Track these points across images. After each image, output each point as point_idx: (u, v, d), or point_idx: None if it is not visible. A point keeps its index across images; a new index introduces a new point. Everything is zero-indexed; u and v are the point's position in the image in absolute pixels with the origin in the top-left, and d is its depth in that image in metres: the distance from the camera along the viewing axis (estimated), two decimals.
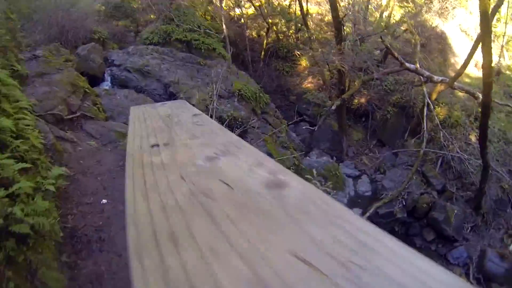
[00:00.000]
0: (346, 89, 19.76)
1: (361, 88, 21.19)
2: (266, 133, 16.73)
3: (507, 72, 24.61)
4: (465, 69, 19.63)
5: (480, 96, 18.98)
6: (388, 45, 18.30)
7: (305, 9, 22.35)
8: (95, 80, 16.21)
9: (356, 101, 21.60)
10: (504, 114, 21.98)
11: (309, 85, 22.65)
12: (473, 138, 20.11)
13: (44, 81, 11.90)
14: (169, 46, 19.40)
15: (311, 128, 18.81)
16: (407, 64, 18.85)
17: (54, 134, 9.93)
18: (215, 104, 8.97)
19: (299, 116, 21.91)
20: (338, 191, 18.61)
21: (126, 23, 24.59)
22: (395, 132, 21.44)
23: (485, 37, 13.08)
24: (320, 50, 19.86)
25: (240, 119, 15.38)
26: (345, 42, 18.89)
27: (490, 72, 14.01)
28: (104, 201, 7.69)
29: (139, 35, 22.03)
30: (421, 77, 19.89)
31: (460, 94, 21.77)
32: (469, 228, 17.70)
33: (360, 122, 22.11)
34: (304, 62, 23.49)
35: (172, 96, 15.61)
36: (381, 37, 18.20)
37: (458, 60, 24.43)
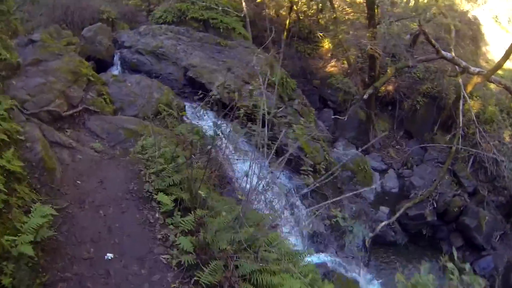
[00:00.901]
0: (377, 75, 16.91)
1: None
2: (295, 123, 13.98)
3: None
4: (505, 61, 16.68)
5: None
6: (425, 30, 15.47)
7: None
8: (103, 65, 13.35)
9: (383, 88, 18.69)
10: None
11: (332, 69, 19.71)
12: (507, 137, 17.32)
13: (39, 69, 9.03)
14: (185, 26, 16.41)
15: (340, 117, 16.06)
16: (444, 52, 15.98)
17: (47, 140, 7.14)
18: (265, 111, 6.22)
19: (323, 102, 18.98)
20: (365, 187, 16.00)
21: (137, 1, 21.35)
22: (424, 124, 18.63)
23: None
24: (350, 32, 16.87)
25: (269, 109, 12.59)
26: (379, 25, 15.95)
27: None
28: (110, 255, 4.95)
29: (151, 14, 18.94)
30: (456, 67, 17.04)
31: (492, 87, 18.93)
32: (498, 236, 15.29)
33: (386, 111, 19.26)
34: (326, 44, 20.50)
35: (191, 82, 12.72)
36: (418, 21, 15.34)
37: (489, 49, 21.50)
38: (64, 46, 11.04)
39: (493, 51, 21.52)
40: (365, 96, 16.13)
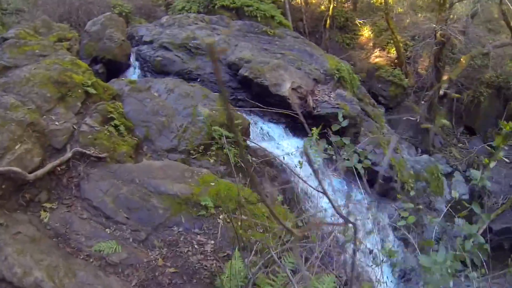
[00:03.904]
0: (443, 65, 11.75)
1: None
2: (370, 130, 8.76)
3: None
4: None
5: None
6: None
7: None
8: (115, 68, 7.93)
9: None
10: None
11: (377, 59, 14.25)
12: None
13: None
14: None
15: (412, 118, 10.99)
16: None
17: None
18: None
19: (373, 98, 13.58)
20: (438, 197, 10.90)
21: None
22: (487, 119, 13.29)
23: None
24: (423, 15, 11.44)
25: (355, 118, 7.38)
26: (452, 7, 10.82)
27: None
28: None
29: (170, 7, 13.33)
30: None
31: None
32: None
33: (442, 104, 13.83)
34: (366, 33, 14.99)
35: (246, 84, 7.29)
36: (500, 0, 10.38)
37: None
38: (53, 44, 5.61)
39: None
40: (442, 92, 11.06)
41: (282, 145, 6.80)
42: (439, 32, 11.00)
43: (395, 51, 13.85)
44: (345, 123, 3.03)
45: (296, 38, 9.80)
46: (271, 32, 9.32)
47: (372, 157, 8.57)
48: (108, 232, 3.25)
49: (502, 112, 13.12)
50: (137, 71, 8.22)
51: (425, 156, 11.45)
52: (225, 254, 3.52)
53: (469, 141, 13.47)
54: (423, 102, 11.94)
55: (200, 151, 5.27)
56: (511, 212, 10.33)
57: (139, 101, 5.76)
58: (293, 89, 6.94)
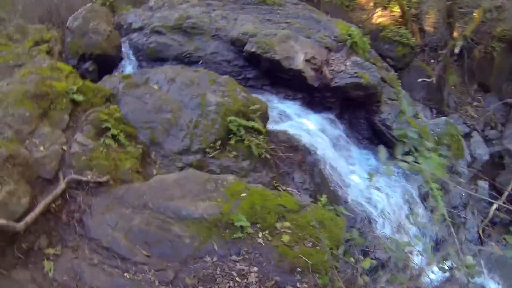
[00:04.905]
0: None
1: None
2: (389, 97, 7.93)
3: None
4: None
5: None
6: None
7: None
8: (107, 63, 7.05)
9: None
10: None
11: (381, 19, 13.17)
12: None
13: None
14: None
15: (427, 80, 10.23)
16: None
17: None
18: None
19: (382, 59, 12.57)
20: (459, 160, 10.12)
21: None
22: (501, 75, 12.40)
23: None
24: None
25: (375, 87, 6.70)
26: None
27: None
28: None
29: None
30: None
31: None
32: None
33: (452, 61, 12.90)
34: None
35: (254, 60, 6.43)
36: None
37: None
38: (28, 49, 4.75)
39: None
40: (457, 50, 10.27)
41: (305, 124, 6.07)
42: None
43: (398, 10, 12.85)
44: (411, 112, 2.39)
45: (296, 5, 8.82)
46: (270, 1, 8.37)
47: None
48: (128, 277, 2.56)
49: None
50: (131, 62, 7.31)
51: (442, 118, 10.71)
52: (274, 282, 2.85)
53: (484, 99, 12.67)
54: (433, 61, 11.10)
55: (217, 147, 4.52)
56: None
57: (138, 98, 4.94)
58: (306, 60, 6.13)
